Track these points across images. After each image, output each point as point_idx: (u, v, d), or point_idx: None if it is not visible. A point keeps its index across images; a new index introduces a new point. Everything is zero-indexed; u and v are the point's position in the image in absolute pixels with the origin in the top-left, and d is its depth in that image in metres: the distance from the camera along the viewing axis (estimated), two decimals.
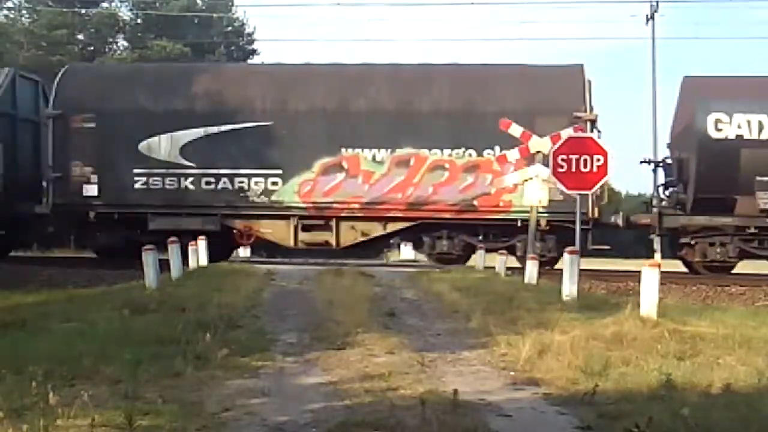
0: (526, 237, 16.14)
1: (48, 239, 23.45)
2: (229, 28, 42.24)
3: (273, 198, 19.37)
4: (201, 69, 23.85)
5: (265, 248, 23.09)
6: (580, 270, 12.29)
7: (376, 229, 19.59)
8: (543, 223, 17.65)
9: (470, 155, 18.82)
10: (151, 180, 19.51)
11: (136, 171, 19.51)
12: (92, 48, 39.29)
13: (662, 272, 10.41)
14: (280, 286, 13.13)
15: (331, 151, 19.17)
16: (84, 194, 19.63)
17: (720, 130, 18.29)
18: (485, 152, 18.67)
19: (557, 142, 13.68)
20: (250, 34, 43.06)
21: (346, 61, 27.84)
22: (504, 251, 16.90)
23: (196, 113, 19.62)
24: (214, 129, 19.43)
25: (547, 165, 13.84)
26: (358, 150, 19.09)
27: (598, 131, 18.31)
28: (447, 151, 18.93)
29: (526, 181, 15.64)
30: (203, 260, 15.96)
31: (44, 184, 20.06)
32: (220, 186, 19.42)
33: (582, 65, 19.39)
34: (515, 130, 16.11)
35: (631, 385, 6.28)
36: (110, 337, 8.00)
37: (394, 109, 19.22)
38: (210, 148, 19.44)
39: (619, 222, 19.32)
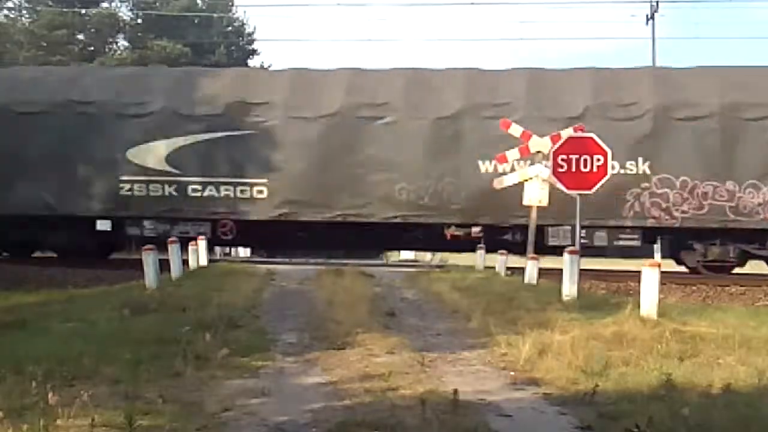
0: None
1: None
2: (229, 28, 42.21)
3: None
4: None
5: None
6: (580, 270, 12.30)
7: None
8: None
9: None
10: None
11: None
12: (92, 48, 39.27)
13: (662, 272, 10.42)
14: (280, 286, 13.14)
15: None
16: None
17: None
18: None
19: (557, 142, 13.68)
20: (250, 34, 43.07)
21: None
22: (504, 251, 16.89)
23: None
24: None
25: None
26: None
27: None
28: None
29: (526, 181, 15.64)
30: (203, 260, 15.96)
31: None
32: None
33: None
34: (515, 130, 16.12)
35: (631, 385, 6.28)
36: (110, 337, 8.00)
37: None
38: None
39: None
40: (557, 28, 70.13)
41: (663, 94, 18.38)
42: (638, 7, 47.23)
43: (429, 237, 19.14)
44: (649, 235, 18.28)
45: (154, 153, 18.86)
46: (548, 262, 16.03)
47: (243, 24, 42.92)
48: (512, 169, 16.90)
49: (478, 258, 17.50)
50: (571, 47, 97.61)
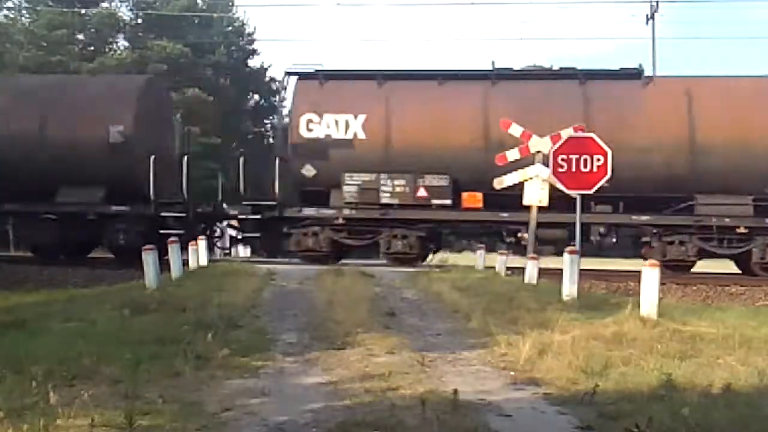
0: None
1: None
2: (229, 28, 42.24)
3: None
4: None
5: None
6: (580, 270, 12.30)
7: None
8: None
9: None
10: None
11: None
12: (92, 48, 39.28)
13: (662, 272, 10.42)
14: (280, 286, 13.13)
15: None
16: None
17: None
18: None
19: (557, 142, 13.68)
20: (250, 34, 43.11)
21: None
22: (504, 251, 16.89)
23: None
24: None
25: (546, 165, 13.85)
26: None
27: None
28: None
29: (526, 181, 15.63)
30: (203, 260, 15.96)
31: None
32: None
33: None
34: (515, 129, 16.11)
35: (631, 385, 6.28)
36: (110, 337, 7.99)
37: None
38: None
39: None
40: (557, 28, 70.14)
41: None
42: (638, 7, 47.31)
43: None
44: None
45: None
46: (548, 261, 16.04)
47: (243, 24, 42.97)
48: None
49: (479, 258, 17.51)
50: (571, 47, 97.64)
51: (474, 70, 20.07)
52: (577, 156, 12.91)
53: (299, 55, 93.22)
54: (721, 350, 7.81)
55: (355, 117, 19.06)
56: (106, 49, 39.46)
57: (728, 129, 18.11)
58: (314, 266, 16.57)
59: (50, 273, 17.90)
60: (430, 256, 20.12)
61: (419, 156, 18.63)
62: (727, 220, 18.04)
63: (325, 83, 19.78)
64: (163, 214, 19.45)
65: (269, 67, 42.75)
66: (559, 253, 16.78)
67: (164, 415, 5.21)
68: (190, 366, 6.64)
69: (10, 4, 39.71)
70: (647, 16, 34.99)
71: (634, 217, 18.37)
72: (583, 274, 13.13)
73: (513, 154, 16.45)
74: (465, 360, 7.56)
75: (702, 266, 19.34)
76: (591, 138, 13.38)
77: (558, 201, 15.53)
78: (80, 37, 39.61)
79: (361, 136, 19.03)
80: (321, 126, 19.14)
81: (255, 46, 43.33)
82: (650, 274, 9.94)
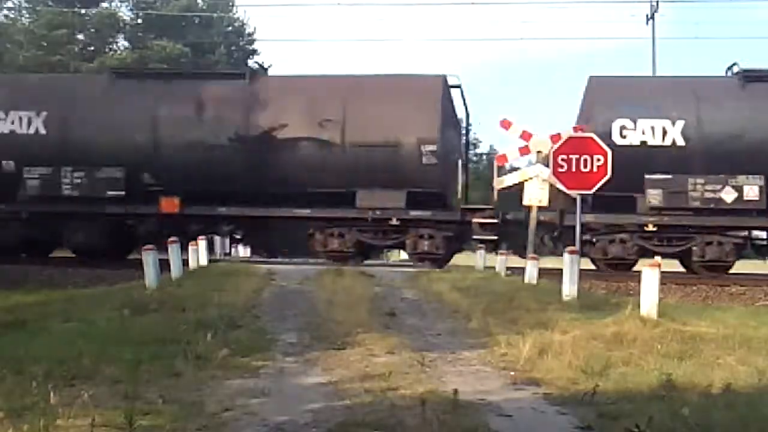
0: None
1: None
2: (229, 28, 42.25)
3: None
4: None
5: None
6: (580, 270, 12.30)
7: None
8: None
9: None
10: None
11: None
12: (92, 48, 39.28)
13: (662, 272, 10.42)
14: (280, 286, 13.11)
15: None
16: None
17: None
18: None
19: (557, 142, 13.69)
20: (250, 34, 43.10)
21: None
22: (504, 251, 16.90)
23: None
24: None
25: (547, 165, 13.86)
26: None
27: None
28: None
29: (526, 181, 15.64)
30: (203, 260, 15.95)
31: None
32: None
33: None
34: (515, 129, 16.12)
35: (631, 385, 6.28)
36: (110, 337, 8.00)
37: None
38: None
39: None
40: (557, 28, 70.19)
41: None
42: (638, 7, 47.30)
43: None
44: None
45: None
46: (548, 262, 16.04)
47: (243, 24, 42.97)
48: None
49: (478, 258, 17.51)
50: (571, 47, 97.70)
51: None
52: (577, 156, 12.92)
53: (299, 55, 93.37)
54: (721, 350, 7.81)
55: (673, 123, 18.10)
56: (106, 49, 39.45)
57: None
58: (314, 266, 16.57)
59: (50, 273, 17.89)
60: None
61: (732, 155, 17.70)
62: None
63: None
64: (472, 219, 18.91)
65: (269, 67, 42.71)
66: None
67: (164, 415, 5.21)
68: (190, 366, 6.65)
69: (10, 4, 39.76)
70: (647, 16, 35.01)
71: None
72: (583, 274, 13.14)
73: (513, 154, 16.47)
74: (465, 360, 7.56)
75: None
76: (591, 138, 13.39)
77: None
78: (80, 37, 39.60)
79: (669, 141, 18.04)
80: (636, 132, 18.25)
81: (255, 46, 43.37)
82: (650, 274, 9.94)
